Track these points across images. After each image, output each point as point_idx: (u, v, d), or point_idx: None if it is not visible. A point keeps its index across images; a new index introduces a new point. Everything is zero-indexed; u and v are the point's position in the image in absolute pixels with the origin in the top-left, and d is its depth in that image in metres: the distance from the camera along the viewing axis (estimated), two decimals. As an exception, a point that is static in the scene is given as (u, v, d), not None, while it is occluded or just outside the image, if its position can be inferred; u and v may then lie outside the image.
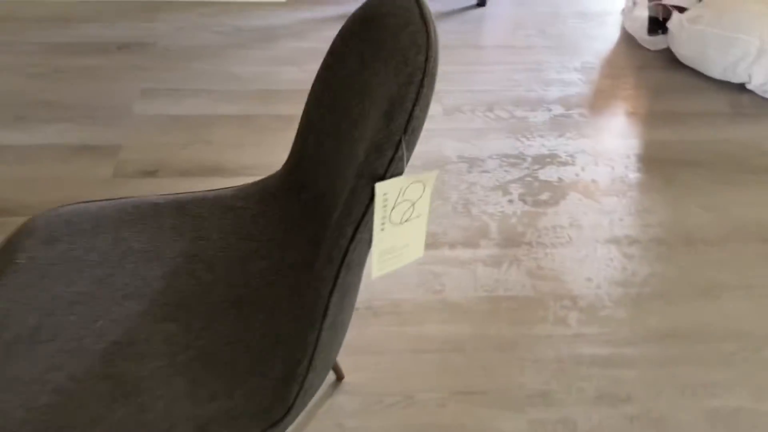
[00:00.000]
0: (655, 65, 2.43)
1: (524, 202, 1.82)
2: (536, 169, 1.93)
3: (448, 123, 2.08)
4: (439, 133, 2.04)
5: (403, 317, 1.50)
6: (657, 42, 2.50)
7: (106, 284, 0.91)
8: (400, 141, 0.59)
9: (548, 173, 1.92)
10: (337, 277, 0.65)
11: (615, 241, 1.72)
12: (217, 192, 1.03)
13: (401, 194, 0.64)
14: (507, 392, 1.36)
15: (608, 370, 1.41)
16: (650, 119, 2.16)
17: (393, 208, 0.64)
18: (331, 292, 0.66)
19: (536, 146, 2.02)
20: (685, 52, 2.36)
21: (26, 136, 1.91)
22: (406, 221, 0.67)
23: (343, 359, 1.38)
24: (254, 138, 1.96)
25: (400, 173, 0.62)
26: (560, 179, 1.90)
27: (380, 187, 0.62)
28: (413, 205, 0.66)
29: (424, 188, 0.66)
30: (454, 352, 1.43)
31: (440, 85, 2.25)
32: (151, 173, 1.80)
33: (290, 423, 0.71)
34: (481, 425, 1.31)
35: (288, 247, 0.95)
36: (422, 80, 0.59)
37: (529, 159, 1.97)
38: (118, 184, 1.77)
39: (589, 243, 1.71)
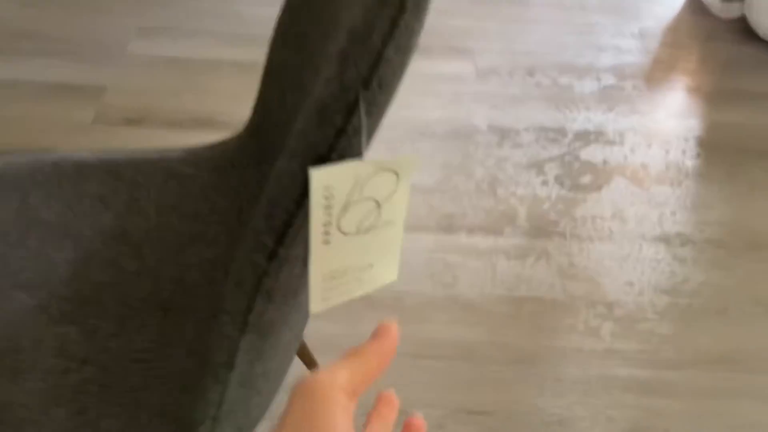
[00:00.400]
0: (726, 36, 2.10)
1: (561, 185, 1.56)
2: (578, 148, 1.66)
3: (481, 86, 1.82)
4: (468, 98, 1.78)
5: (404, 313, 1.26)
6: (731, 9, 2.17)
7: (-5, 266, 0.69)
8: (356, 101, 0.35)
9: (592, 153, 1.65)
10: (249, 312, 0.42)
11: (664, 239, 1.45)
12: (162, 153, 0.79)
13: (358, 188, 0.40)
14: (520, 416, 1.13)
15: (645, 399, 1.17)
16: (716, 98, 1.86)
17: (344, 209, 0.41)
18: (242, 332, 0.43)
19: (580, 120, 1.75)
20: (765, 21, 2.04)
21: (1, 69, 1.70)
22: (367, 230, 0.43)
23: (324, 358, 1.16)
24: (256, 89, 1.72)
25: (356, 155, 0.39)
26: (605, 161, 1.63)
27: (318, 176, 0.38)
28: (379, 205, 0.42)
29: (398, 180, 0.42)
30: (461, 360, 1.20)
31: (473, 42, 1.97)
32: (135, 122, 1.58)
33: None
34: (485, 455, 1.08)
35: (242, 233, 0.72)
36: (402, 2, 0.35)
37: (571, 135, 1.70)
38: (96, 132, 1.55)
39: (633, 239, 1.45)
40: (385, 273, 0.46)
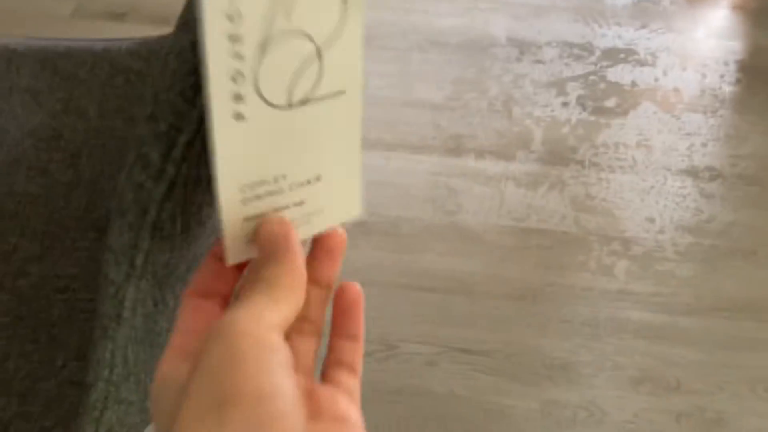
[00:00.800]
0: (781, -51, 1.89)
1: (583, 107, 1.41)
2: (605, 67, 1.51)
3: (502, -6, 1.64)
4: (487, 5, 1.61)
5: (400, 241, 1.16)
6: None
7: None
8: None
9: (619, 73, 1.49)
10: (135, 251, 0.30)
11: (692, 172, 1.32)
12: (108, 43, 0.67)
13: (281, 7, 0.27)
14: (519, 357, 1.04)
15: (657, 346, 1.07)
16: (763, 18, 1.67)
17: (262, 47, 0.28)
18: (128, 276, 0.31)
19: (610, 37, 1.58)
20: (825, -67, 1.82)
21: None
22: (303, 101, 0.30)
23: (311, 288, 1.06)
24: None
25: None
26: (634, 83, 1.48)
27: None
28: (319, 52, 0.29)
29: (346, 9, 0.29)
30: (459, 294, 1.10)
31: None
32: (119, 16, 1.44)
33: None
34: (477, 397, 0.99)
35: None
36: None
37: (598, 52, 1.54)
38: (75, 26, 1.41)
39: (658, 171, 1.32)
40: (342, 199, 0.33)
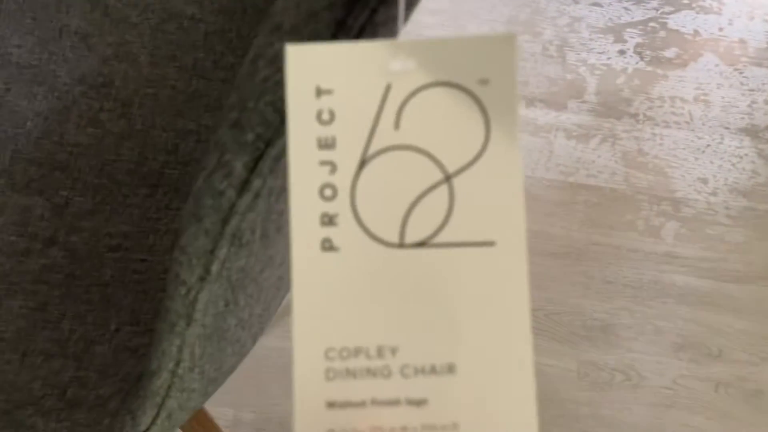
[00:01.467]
0: None
1: (640, 56, 1.35)
2: (667, 13, 1.42)
3: (562, -72, 1.54)
4: (546, -59, 1.51)
5: (443, 191, 1.13)
6: None
7: (-51, 114, 0.56)
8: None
9: (681, 21, 1.41)
10: (211, 258, 0.29)
11: (752, 131, 1.26)
12: (159, -16, 0.63)
13: (390, 111, 0.21)
14: (558, 316, 1.02)
15: (701, 312, 1.05)
16: (843, -35, 1.56)
17: (363, 163, 0.21)
18: (202, 280, 0.30)
19: (675, -20, 1.49)
20: None
21: None
22: (426, 244, 0.21)
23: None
24: None
25: (391, 30, 0.22)
26: (696, 32, 1.40)
27: (301, 59, 0.20)
28: (448, 178, 0.21)
29: (486, 119, 0.21)
30: (501, 250, 1.08)
31: None
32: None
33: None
34: (515, 355, 0.99)
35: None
36: None
37: (661, -4, 1.45)
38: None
39: (715, 128, 1.26)
40: (496, 414, 0.21)
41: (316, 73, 0.21)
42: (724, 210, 1.16)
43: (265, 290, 0.37)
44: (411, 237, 0.22)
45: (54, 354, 0.45)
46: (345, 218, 0.21)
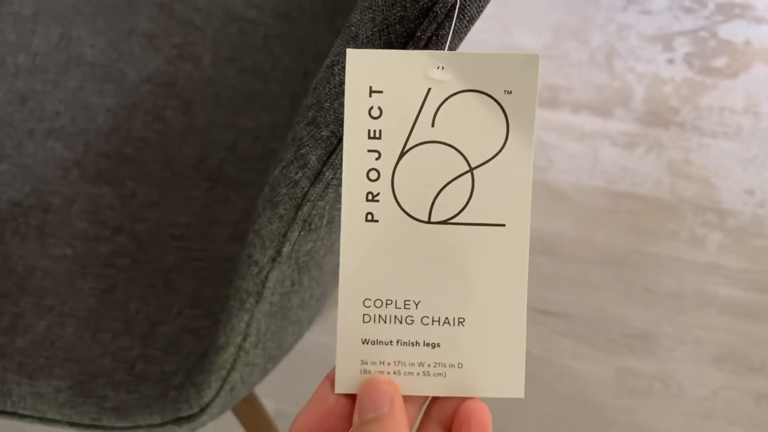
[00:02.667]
0: None
1: (689, 65, 1.34)
2: (718, 22, 1.41)
3: (614, -64, 1.54)
4: (596, -51, 1.52)
5: (486, 194, 1.15)
6: None
7: (28, 106, 0.61)
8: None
9: (733, 30, 1.40)
10: (283, 241, 0.32)
11: (803, 144, 1.25)
12: (223, -11, 0.67)
13: (428, 111, 0.25)
14: (599, 323, 1.03)
15: (743, 324, 1.04)
16: None
17: (403, 153, 0.26)
18: (273, 261, 0.33)
19: (727, -11, 1.47)
20: None
21: None
22: (447, 219, 0.27)
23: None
24: None
25: (454, 43, 0.25)
26: (747, 42, 1.38)
27: (359, 61, 0.25)
28: (471, 170, 0.26)
29: (507, 123, 0.26)
30: (543, 255, 1.09)
31: None
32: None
33: (204, 423, 0.42)
34: (553, 359, 1.00)
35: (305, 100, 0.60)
36: None
37: (712, 6, 1.44)
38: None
39: (764, 140, 1.25)
40: (493, 365, 0.28)
41: (370, 75, 0.25)
42: (770, 222, 1.15)
43: (325, 274, 0.39)
44: (437, 216, 0.26)
45: (122, 332, 0.48)
46: (385, 197, 0.26)
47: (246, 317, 0.34)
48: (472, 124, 0.26)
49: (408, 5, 0.24)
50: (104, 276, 0.53)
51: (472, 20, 0.25)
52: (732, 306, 1.06)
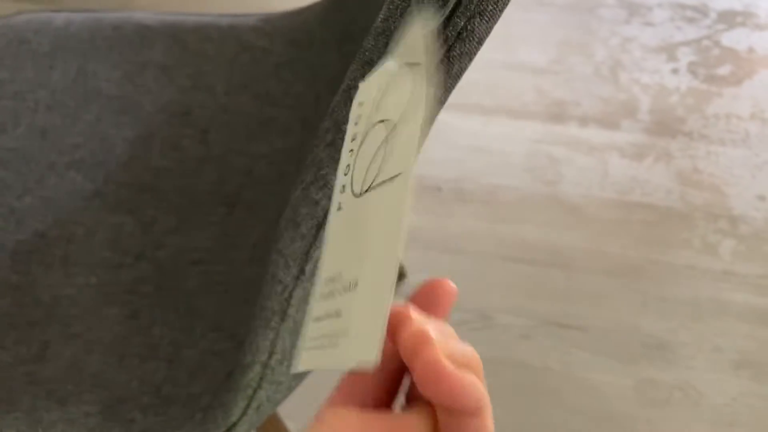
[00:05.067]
0: None
1: (694, 74, 1.35)
2: (720, 31, 1.43)
3: (612, -49, 1.56)
4: (596, -36, 1.54)
5: (497, 210, 1.16)
6: None
7: (49, 140, 0.62)
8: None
9: (736, 38, 1.41)
10: (306, 260, 0.33)
11: (812, 148, 1.25)
12: (233, 20, 0.69)
13: (375, 105, 0.27)
14: (616, 334, 1.03)
15: (761, 330, 1.04)
16: None
17: (361, 143, 0.27)
18: (297, 279, 0.34)
19: (728, -2, 1.49)
20: None
21: None
22: (371, 188, 0.26)
23: (407, 253, 1.08)
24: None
25: (456, 77, 0.26)
26: (751, 49, 1.40)
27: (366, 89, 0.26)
28: (387, 135, 0.26)
29: (415, 82, 0.26)
30: (557, 268, 1.10)
31: None
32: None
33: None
34: (572, 372, 1.00)
35: (318, 122, 0.61)
36: None
37: (714, 15, 1.46)
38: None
39: (773, 145, 1.25)
40: (363, 327, 0.24)
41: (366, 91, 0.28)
42: (783, 227, 1.15)
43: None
44: (365, 185, 0.26)
45: (147, 357, 0.49)
46: (348, 186, 0.27)
47: (271, 335, 0.35)
48: (395, 93, 0.26)
49: (420, 29, 0.26)
50: (128, 302, 0.54)
51: (481, 41, 0.26)
52: (749, 312, 1.06)
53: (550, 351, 1.02)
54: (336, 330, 0.25)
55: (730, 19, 1.45)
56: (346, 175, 0.27)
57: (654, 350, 1.02)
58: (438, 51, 0.26)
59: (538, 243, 1.12)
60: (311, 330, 0.26)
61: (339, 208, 0.27)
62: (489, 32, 0.27)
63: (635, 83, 1.33)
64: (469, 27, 0.26)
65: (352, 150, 0.27)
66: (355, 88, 0.28)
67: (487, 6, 0.27)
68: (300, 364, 0.26)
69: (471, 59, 0.28)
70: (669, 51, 1.39)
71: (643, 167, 1.22)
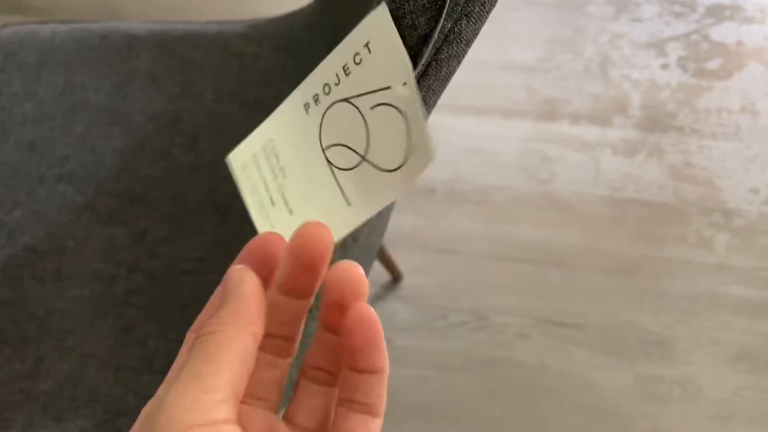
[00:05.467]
0: None
1: (684, 69, 1.35)
2: (709, 25, 1.43)
3: (599, -52, 1.57)
4: (583, -39, 1.54)
5: (492, 210, 1.15)
6: None
7: (38, 153, 0.62)
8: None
9: (724, 32, 1.42)
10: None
11: (803, 139, 1.25)
12: (220, 26, 0.68)
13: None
14: (613, 331, 1.03)
15: (759, 322, 1.04)
16: None
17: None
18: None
19: (715, -8, 1.49)
20: None
21: None
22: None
23: (403, 255, 1.08)
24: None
25: (444, 80, 0.26)
26: (740, 42, 1.40)
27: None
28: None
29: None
30: (552, 266, 1.09)
31: None
32: None
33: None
34: (570, 370, 1.00)
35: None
36: None
37: (702, 9, 1.46)
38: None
39: (764, 138, 1.26)
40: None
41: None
42: (777, 219, 1.15)
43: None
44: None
45: (143, 369, 0.49)
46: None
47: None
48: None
49: (407, 33, 0.25)
50: (122, 315, 0.53)
51: (468, 43, 0.26)
52: (745, 305, 1.06)
53: (547, 349, 1.02)
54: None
55: (718, 13, 1.45)
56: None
57: (652, 346, 1.02)
58: (426, 54, 0.26)
59: (532, 242, 1.12)
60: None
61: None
62: (476, 34, 0.26)
63: (625, 79, 1.34)
64: (456, 29, 0.26)
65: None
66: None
67: (474, 8, 0.27)
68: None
69: (459, 61, 0.28)
70: (658, 46, 1.39)
71: (635, 163, 1.22)
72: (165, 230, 0.59)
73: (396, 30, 0.27)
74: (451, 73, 0.29)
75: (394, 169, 0.29)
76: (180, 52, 0.67)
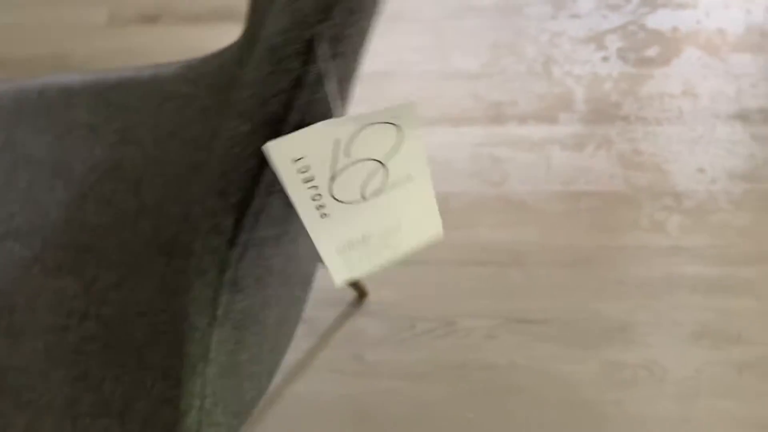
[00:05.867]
0: None
1: (624, 60, 1.39)
2: (644, 14, 1.47)
3: (531, -50, 1.61)
4: (517, -35, 1.58)
5: (449, 217, 1.18)
6: None
7: (-18, 214, 0.63)
8: (311, 44, 0.24)
9: (659, 20, 1.46)
10: (215, 305, 0.34)
11: (743, 116, 1.29)
12: (155, 70, 0.70)
13: (343, 152, 0.32)
14: (577, 323, 1.06)
15: (716, 299, 1.07)
16: (811, -58, 1.59)
17: (332, 178, 0.33)
18: (211, 325, 0.35)
19: (647, -18, 1.54)
20: None
21: (14, -29, 1.60)
22: (377, 193, 0.37)
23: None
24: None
25: (324, 112, 0.29)
26: (675, 28, 1.44)
27: (277, 151, 0.29)
28: (384, 164, 0.35)
29: (400, 132, 0.33)
30: (512, 266, 1.12)
31: None
32: (152, 19, 1.47)
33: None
34: (539, 365, 1.02)
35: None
36: None
37: (636, 0, 1.50)
38: (112, 34, 1.45)
39: (706, 119, 1.29)
40: (423, 230, 0.41)
41: (288, 152, 0.33)
42: (725, 196, 1.19)
43: (268, 327, 0.42)
44: (367, 194, 0.37)
45: (100, 414, 0.50)
46: (329, 202, 0.36)
47: (199, 381, 0.37)
48: (374, 141, 0.35)
49: (282, 80, 0.27)
50: (76, 363, 0.55)
51: (347, 86, 0.28)
52: (701, 283, 1.09)
53: (515, 348, 1.04)
54: (385, 248, 0.39)
55: (651, 1, 1.50)
56: (316, 200, 0.36)
57: (615, 333, 1.05)
58: (302, 98, 0.29)
59: (492, 244, 1.14)
60: (342, 258, 0.37)
61: (325, 216, 0.36)
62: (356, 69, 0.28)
63: (568, 76, 1.37)
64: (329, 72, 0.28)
65: (309, 181, 0.35)
66: (234, 137, 0.30)
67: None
68: (345, 275, 0.39)
69: (332, 102, 0.30)
70: (597, 40, 1.43)
71: (584, 156, 1.25)
72: (114, 276, 0.60)
73: None
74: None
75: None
76: (116, 99, 0.68)
